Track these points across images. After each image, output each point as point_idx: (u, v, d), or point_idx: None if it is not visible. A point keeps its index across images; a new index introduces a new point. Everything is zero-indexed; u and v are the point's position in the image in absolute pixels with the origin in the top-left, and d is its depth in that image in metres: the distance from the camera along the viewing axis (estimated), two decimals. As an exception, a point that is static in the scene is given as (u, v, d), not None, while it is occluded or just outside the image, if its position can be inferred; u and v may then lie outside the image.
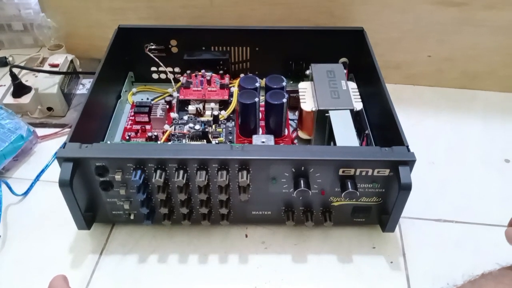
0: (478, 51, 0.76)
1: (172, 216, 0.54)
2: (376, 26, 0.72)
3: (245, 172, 0.48)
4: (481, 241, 0.56)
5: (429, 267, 0.52)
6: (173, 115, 0.65)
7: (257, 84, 0.64)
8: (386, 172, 0.49)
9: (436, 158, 0.66)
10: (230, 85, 0.69)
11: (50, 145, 0.68)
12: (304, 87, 0.63)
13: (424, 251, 0.54)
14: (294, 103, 0.66)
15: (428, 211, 0.59)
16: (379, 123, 0.61)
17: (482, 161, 0.67)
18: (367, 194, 0.51)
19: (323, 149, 0.52)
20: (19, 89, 0.72)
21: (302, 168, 0.49)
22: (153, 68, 0.73)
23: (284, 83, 0.64)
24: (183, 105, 0.67)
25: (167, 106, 0.68)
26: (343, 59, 0.71)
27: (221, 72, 0.71)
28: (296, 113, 0.68)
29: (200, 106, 0.66)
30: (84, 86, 0.79)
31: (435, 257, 0.54)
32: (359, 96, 0.61)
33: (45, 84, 0.70)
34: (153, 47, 0.70)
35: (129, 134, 0.65)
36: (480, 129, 0.73)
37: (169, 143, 0.61)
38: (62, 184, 0.46)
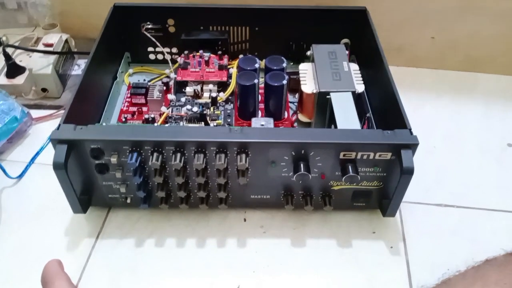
0: (481, 36, 0.74)
1: (169, 199, 0.53)
2: (379, 7, 0.70)
3: (243, 156, 0.47)
4: (482, 226, 0.55)
5: (430, 252, 0.52)
6: (171, 97, 0.64)
7: (257, 65, 0.63)
8: (388, 155, 0.47)
9: (438, 142, 0.65)
10: (229, 66, 0.68)
11: (45, 127, 0.66)
12: (304, 68, 0.62)
13: (425, 236, 0.54)
14: (295, 85, 0.64)
15: (429, 196, 0.58)
16: (381, 106, 0.60)
17: (483, 145, 0.66)
18: (368, 178, 0.50)
19: (323, 132, 0.50)
20: (13, 69, 0.70)
21: (302, 152, 0.48)
22: (150, 49, 0.72)
23: (284, 64, 0.62)
24: (180, 86, 0.66)
25: (164, 88, 0.66)
26: (345, 40, 0.69)
27: (219, 52, 0.69)
28: (296, 95, 0.66)
29: (198, 87, 0.65)
30: (80, 66, 0.77)
31: (435, 242, 0.53)
32: (361, 78, 0.59)
33: (40, 64, 0.68)
34: (149, 26, 0.68)
35: (126, 116, 0.63)
36: (481, 113, 0.71)
37: (166, 125, 0.60)
38: (57, 166, 0.45)
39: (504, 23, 0.72)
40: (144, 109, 0.65)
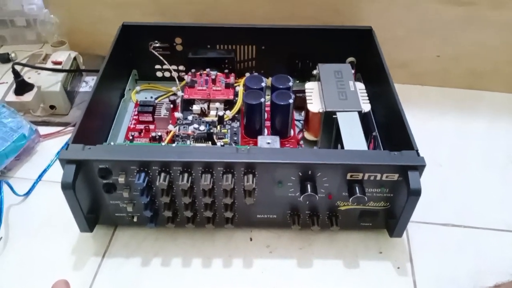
0: (484, 50, 0.75)
1: (175, 219, 0.53)
2: (382, 24, 0.71)
3: (250, 176, 0.47)
4: (489, 247, 0.55)
5: (437, 273, 0.52)
6: (178, 115, 0.64)
7: (263, 84, 0.63)
8: (395, 177, 0.48)
9: (443, 160, 0.65)
10: (236, 85, 0.68)
11: (53, 144, 0.67)
12: (311, 87, 0.62)
13: (432, 256, 0.53)
14: (301, 104, 0.65)
15: (436, 215, 0.58)
16: (387, 125, 0.60)
17: (489, 163, 0.65)
18: (375, 199, 0.50)
19: (330, 153, 0.51)
20: (22, 86, 0.70)
21: (309, 172, 0.48)
22: (157, 66, 0.72)
23: (290, 83, 0.63)
24: (187, 104, 0.66)
25: (171, 106, 0.67)
26: (351, 59, 0.69)
27: (226, 71, 0.69)
28: (302, 113, 0.67)
29: (205, 105, 0.65)
30: (87, 83, 0.78)
31: (443, 263, 0.53)
32: (367, 97, 0.60)
33: (48, 82, 0.69)
34: (157, 45, 0.69)
35: (133, 134, 0.64)
36: (486, 130, 0.71)
37: (173, 144, 0.60)
38: (65, 186, 0.46)
39: (506, 36, 0.73)
40: (151, 127, 0.65)
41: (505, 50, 0.75)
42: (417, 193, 0.46)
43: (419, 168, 0.47)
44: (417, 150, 0.48)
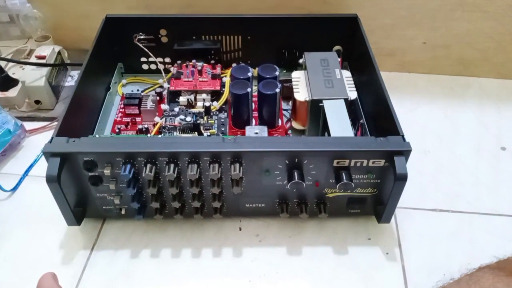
0: (473, 38, 0.75)
1: (164, 210, 0.53)
2: (370, 13, 0.71)
3: (237, 165, 0.47)
4: (477, 230, 0.55)
5: (425, 258, 0.52)
6: (164, 106, 0.64)
7: (250, 74, 0.63)
8: (381, 162, 0.48)
9: (431, 146, 0.66)
10: (222, 75, 0.68)
11: (39, 139, 0.66)
12: (297, 76, 0.62)
13: (420, 241, 0.54)
14: (288, 93, 0.65)
15: (424, 201, 0.58)
16: (374, 112, 0.60)
17: (477, 149, 0.66)
18: (362, 185, 0.50)
19: (317, 140, 0.50)
20: (6, 82, 0.70)
21: (296, 160, 0.48)
22: (143, 59, 0.72)
23: (277, 73, 0.63)
24: (174, 96, 0.66)
25: (158, 98, 0.66)
26: (337, 47, 0.69)
27: (212, 62, 0.69)
28: (290, 103, 0.66)
29: (192, 97, 0.65)
30: (73, 78, 0.77)
31: (431, 248, 0.53)
32: (353, 85, 0.60)
33: (32, 77, 0.68)
34: (142, 37, 0.68)
35: (119, 127, 0.63)
36: (475, 116, 0.72)
37: (160, 136, 0.60)
38: (49, 180, 0.45)
39: (494, 24, 0.73)
40: (138, 119, 0.65)
41: (494, 37, 0.75)
42: (403, 177, 0.46)
43: (405, 153, 0.47)
44: (403, 136, 0.48)
